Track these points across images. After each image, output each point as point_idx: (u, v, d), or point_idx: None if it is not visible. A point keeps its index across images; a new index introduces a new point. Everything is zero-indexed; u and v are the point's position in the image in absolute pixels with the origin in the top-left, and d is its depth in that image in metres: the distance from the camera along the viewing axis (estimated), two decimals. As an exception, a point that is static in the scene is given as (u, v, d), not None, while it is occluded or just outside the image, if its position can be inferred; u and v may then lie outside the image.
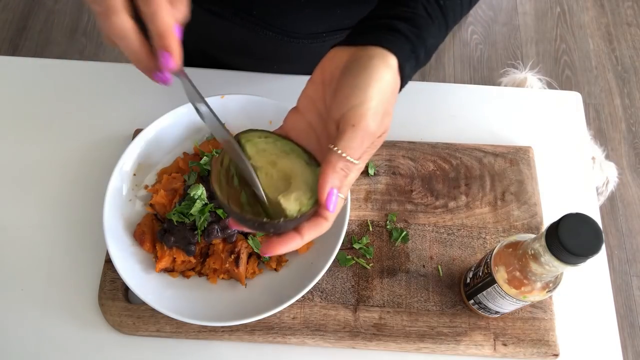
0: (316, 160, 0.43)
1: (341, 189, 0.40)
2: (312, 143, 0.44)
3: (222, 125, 0.43)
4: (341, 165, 0.39)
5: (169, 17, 0.39)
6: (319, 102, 0.43)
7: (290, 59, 0.76)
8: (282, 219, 0.39)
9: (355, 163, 0.40)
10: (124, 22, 0.38)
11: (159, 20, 0.38)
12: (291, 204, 0.40)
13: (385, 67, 0.41)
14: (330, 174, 0.39)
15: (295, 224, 0.40)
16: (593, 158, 1.36)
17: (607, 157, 1.45)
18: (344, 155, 0.39)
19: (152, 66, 0.41)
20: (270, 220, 0.39)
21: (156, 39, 0.39)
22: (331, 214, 0.40)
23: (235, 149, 0.42)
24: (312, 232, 0.41)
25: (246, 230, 0.43)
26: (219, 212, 0.58)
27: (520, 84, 1.50)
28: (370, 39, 0.42)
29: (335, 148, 0.39)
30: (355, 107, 0.39)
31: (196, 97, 0.43)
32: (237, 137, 0.43)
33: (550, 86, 1.55)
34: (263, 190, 0.41)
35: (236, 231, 0.59)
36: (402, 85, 0.43)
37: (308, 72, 0.47)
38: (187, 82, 0.42)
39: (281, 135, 0.44)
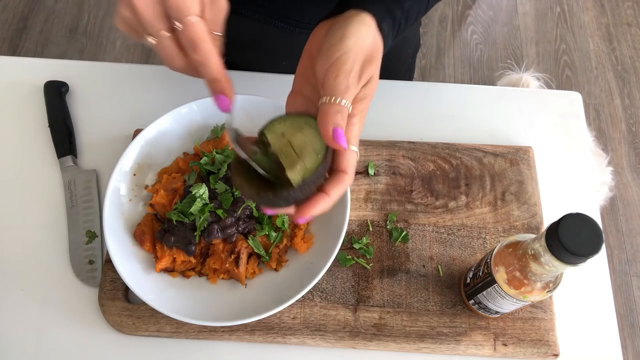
0: None
1: (350, 139, 0.41)
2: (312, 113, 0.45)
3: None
4: (335, 108, 0.40)
5: (219, 62, 0.41)
6: (311, 75, 0.45)
7: (300, 53, 0.76)
8: (289, 190, 0.40)
9: (345, 106, 0.40)
10: (171, 50, 0.41)
11: (210, 67, 0.41)
12: (295, 174, 0.41)
13: (359, 23, 0.43)
14: (326, 115, 0.40)
15: (310, 188, 0.41)
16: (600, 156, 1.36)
17: (609, 159, 1.45)
18: (332, 99, 0.40)
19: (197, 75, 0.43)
20: (282, 191, 0.40)
21: (210, 83, 0.42)
22: (349, 166, 0.41)
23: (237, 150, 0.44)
24: (335, 187, 0.41)
25: (280, 211, 0.43)
26: (219, 212, 0.58)
27: (515, 85, 1.49)
28: (346, 6, 0.45)
29: (324, 98, 0.40)
30: (335, 60, 0.41)
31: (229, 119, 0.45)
32: (263, 131, 0.45)
33: (548, 83, 1.55)
34: (268, 172, 0.43)
35: (236, 231, 0.59)
36: (385, 43, 0.45)
37: None
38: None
39: (295, 113, 0.46)
